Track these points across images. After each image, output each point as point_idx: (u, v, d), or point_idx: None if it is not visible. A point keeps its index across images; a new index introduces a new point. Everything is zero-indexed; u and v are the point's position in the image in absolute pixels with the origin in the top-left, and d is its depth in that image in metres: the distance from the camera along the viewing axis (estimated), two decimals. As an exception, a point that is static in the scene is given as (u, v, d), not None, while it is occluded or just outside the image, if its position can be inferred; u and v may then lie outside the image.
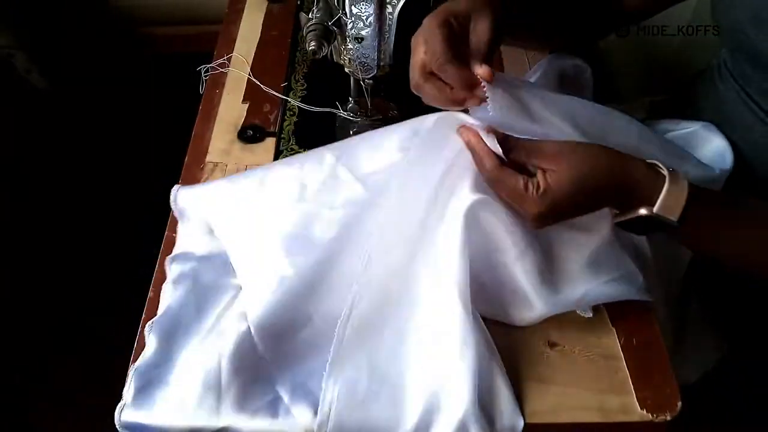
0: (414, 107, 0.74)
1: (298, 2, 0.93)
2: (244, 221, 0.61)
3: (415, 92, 0.57)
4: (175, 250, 0.63)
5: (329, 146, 0.65)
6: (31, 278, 1.37)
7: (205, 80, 0.83)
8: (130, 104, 1.63)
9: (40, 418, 1.22)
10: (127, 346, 0.58)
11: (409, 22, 0.64)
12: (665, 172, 0.51)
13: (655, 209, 0.50)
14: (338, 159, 0.62)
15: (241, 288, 0.58)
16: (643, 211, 0.51)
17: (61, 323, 1.32)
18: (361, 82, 0.70)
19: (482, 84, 0.53)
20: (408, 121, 0.62)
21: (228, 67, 0.84)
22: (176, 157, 0.75)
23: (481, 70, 0.53)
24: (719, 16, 0.67)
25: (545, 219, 0.52)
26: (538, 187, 0.50)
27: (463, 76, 0.53)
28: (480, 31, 0.55)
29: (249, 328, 0.54)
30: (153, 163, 1.20)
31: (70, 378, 1.25)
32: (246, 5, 0.94)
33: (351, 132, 0.76)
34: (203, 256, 0.61)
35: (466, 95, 0.54)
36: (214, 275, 0.60)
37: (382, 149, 0.61)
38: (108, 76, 1.64)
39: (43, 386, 1.25)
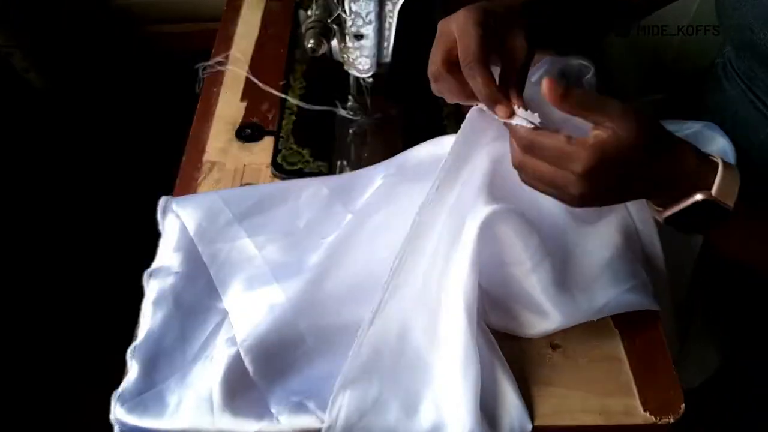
0: (413, 106, 0.73)
1: None
2: (233, 245, 0.61)
3: (432, 80, 0.53)
4: (154, 264, 0.62)
5: (325, 180, 0.66)
6: (31, 278, 1.36)
7: (203, 78, 0.82)
8: (128, 103, 1.62)
9: (40, 418, 1.21)
10: (127, 346, 0.57)
11: (409, 19, 0.63)
12: (718, 159, 0.48)
13: (713, 192, 0.47)
14: (333, 192, 0.64)
15: (227, 312, 0.58)
16: (699, 197, 0.47)
17: (62, 323, 1.31)
18: (361, 80, 0.70)
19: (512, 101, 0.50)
20: (397, 156, 0.63)
21: (226, 65, 0.84)
22: (174, 156, 0.74)
23: (516, 101, 0.49)
24: (725, 14, 0.66)
25: (593, 179, 0.45)
26: (586, 140, 0.45)
27: (487, 87, 0.49)
28: (518, 46, 0.51)
29: (238, 352, 0.53)
30: (151, 161, 1.20)
31: (70, 378, 1.25)
32: (244, 3, 0.93)
33: (350, 131, 0.76)
34: (183, 273, 0.60)
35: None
36: (196, 297, 0.59)
37: (373, 184, 0.62)
38: (105, 75, 1.63)
39: (44, 386, 1.25)
